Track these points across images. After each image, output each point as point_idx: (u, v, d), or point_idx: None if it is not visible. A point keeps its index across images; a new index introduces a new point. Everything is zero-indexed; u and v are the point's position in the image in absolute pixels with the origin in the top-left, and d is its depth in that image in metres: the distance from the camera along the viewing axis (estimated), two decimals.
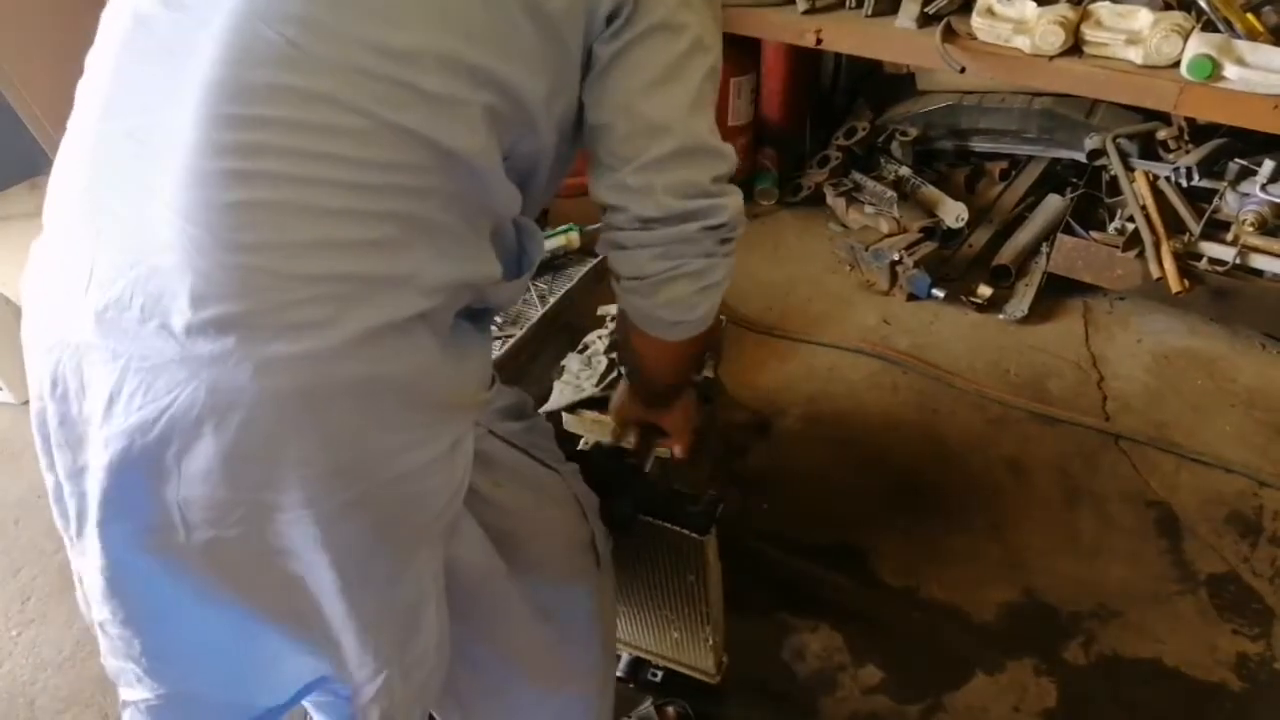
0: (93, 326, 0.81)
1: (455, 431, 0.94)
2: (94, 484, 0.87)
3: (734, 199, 0.98)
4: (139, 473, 0.85)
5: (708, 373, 1.59)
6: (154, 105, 0.82)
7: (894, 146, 3.02)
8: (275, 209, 0.80)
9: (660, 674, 1.73)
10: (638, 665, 1.73)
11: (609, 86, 0.93)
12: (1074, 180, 2.80)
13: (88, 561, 0.94)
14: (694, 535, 1.33)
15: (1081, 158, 2.66)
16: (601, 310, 1.65)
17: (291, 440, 0.82)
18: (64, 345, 0.85)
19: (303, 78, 0.80)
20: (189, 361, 0.79)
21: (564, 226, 2.00)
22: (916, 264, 2.73)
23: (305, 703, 1.49)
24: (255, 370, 0.79)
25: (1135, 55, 2.18)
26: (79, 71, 0.92)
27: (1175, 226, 2.41)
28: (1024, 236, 2.77)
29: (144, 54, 0.84)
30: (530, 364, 1.78)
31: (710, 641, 1.56)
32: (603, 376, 1.51)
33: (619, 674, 1.70)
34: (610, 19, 0.91)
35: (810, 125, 3.21)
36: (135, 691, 1.06)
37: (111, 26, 0.89)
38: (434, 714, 1.28)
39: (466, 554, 1.05)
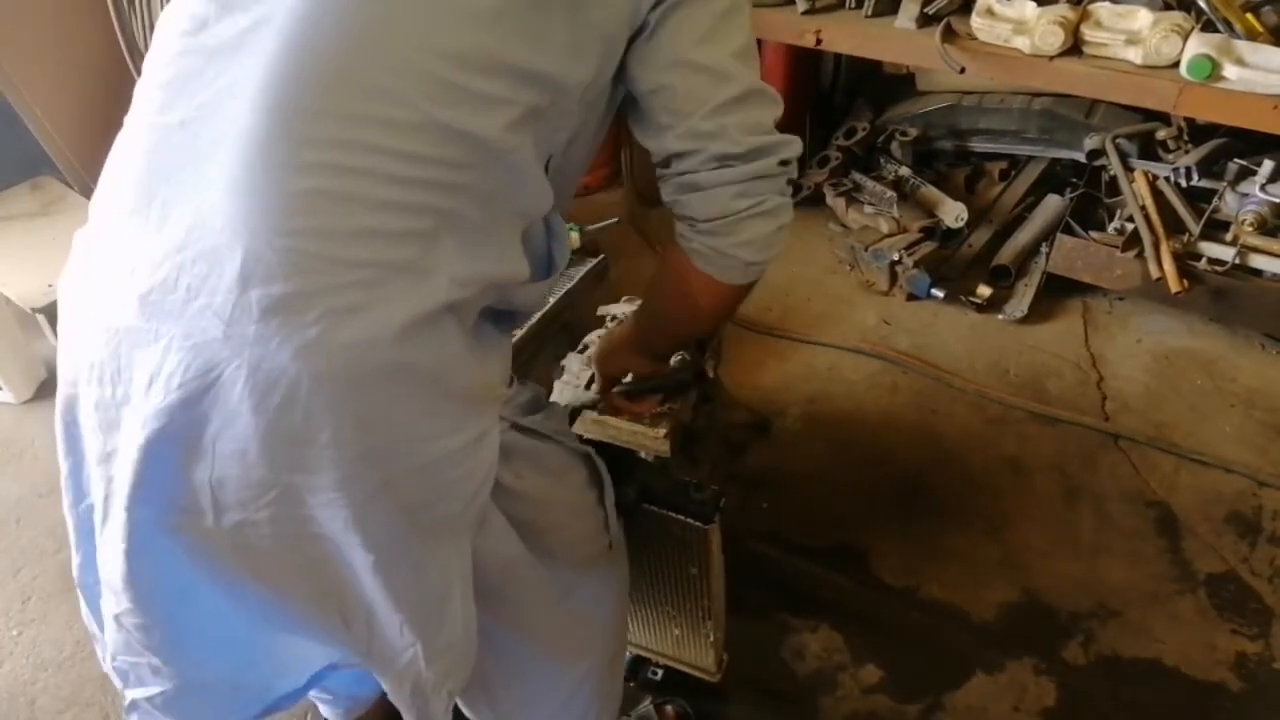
0: (136, 310, 0.84)
1: (481, 424, 0.97)
2: (124, 466, 0.89)
3: (796, 139, 1.03)
4: (173, 451, 0.87)
5: (708, 372, 1.59)
6: (211, 99, 0.86)
7: (894, 147, 3.02)
8: (327, 197, 0.83)
9: (660, 672, 1.73)
10: (638, 664, 1.74)
11: (658, 48, 0.97)
12: (1073, 180, 2.80)
13: (110, 548, 0.95)
14: (698, 524, 1.34)
15: (1081, 158, 2.66)
16: (601, 310, 1.65)
17: (327, 423, 0.85)
18: (105, 330, 0.87)
19: (362, 72, 0.84)
20: (232, 340, 0.81)
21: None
22: (916, 264, 2.73)
23: (312, 696, 1.51)
24: (296, 352, 0.81)
25: (1135, 55, 2.18)
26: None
27: (1175, 226, 2.41)
28: (1024, 237, 2.78)
29: (202, 51, 0.88)
30: (530, 364, 1.79)
31: (711, 638, 1.56)
32: None
33: None
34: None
35: (810, 125, 3.21)
36: (148, 687, 1.08)
37: (169, 27, 0.92)
38: (459, 701, 1.30)
39: (494, 545, 1.07)
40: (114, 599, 1.00)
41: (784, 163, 1.01)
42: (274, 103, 0.83)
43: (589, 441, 1.30)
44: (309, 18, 0.84)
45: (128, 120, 0.94)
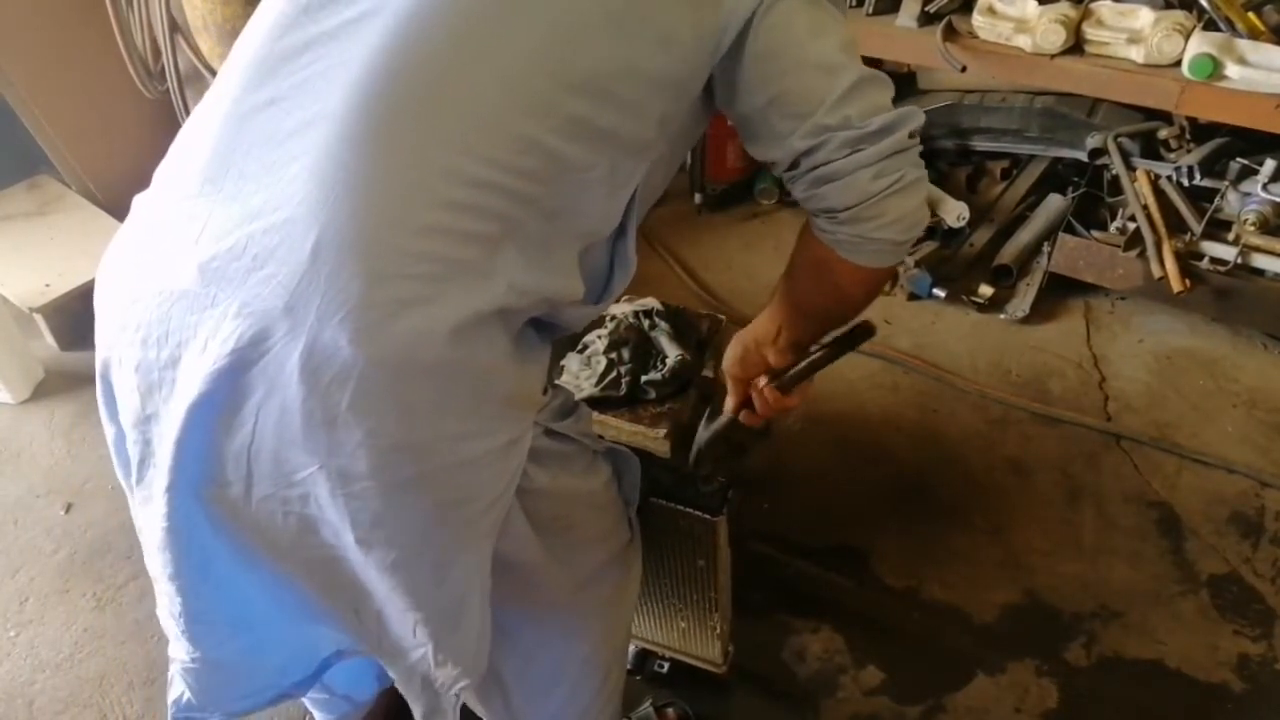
0: (195, 275, 0.85)
1: (514, 430, 0.98)
2: (168, 429, 0.90)
3: (918, 109, 1.00)
4: (215, 416, 0.87)
5: (707, 372, 1.59)
6: (305, 81, 0.87)
7: None
8: (408, 188, 0.84)
9: (667, 665, 1.74)
10: (644, 658, 1.74)
11: (770, 56, 0.96)
12: (1075, 180, 2.79)
13: (151, 510, 0.97)
14: (706, 516, 1.35)
15: (1083, 157, 2.66)
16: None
17: (372, 409, 0.85)
18: (156, 294, 0.88)
19: (462, 75, 0.86)
20: (294, 313, 0.82)
21: None
22: (917, 264, 2.72)
23: (304, 700, 1.50)
24: (355, 334, 0.82)
25: (1137, 54, 2.18)
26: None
27: (1177, 226, 2.40)
28: (1025, 236, 2.77)
29: (302, 35, 0.89)
30: None
31: (718, 630, 1.57)
32: (602, 376, 1.51)
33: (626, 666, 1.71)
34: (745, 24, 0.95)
35: None
36: (176, 649, 1.11)
37: (266, 10, 0.94)
38: (474, 699, 1.31)
39: (512, 546, 1.08)
40: (150, 560, 1.03)
41: (913, 134, 0.99)
42: (371, 91, 0.84)
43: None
44: (418, 17, 0.86)
45: (208, 96, 0.95)
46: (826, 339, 1.25)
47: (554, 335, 1.07)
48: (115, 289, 0.93)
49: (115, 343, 0.93)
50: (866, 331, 1.24)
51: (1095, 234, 2.56)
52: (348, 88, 0.85)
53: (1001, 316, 2.68)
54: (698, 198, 3.14)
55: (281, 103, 0.87)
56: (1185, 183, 2.37)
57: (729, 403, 1.34)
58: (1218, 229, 2.38)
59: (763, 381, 1.27)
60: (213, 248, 0.84)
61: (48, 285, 2.58)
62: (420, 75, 0.86)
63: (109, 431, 1.03)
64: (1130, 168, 2.47)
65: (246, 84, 0.90)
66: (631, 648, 1.72)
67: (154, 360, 0.89)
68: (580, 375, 1.54)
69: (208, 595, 1.03)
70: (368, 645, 1.07)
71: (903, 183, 0.97)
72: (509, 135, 0.87)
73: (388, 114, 0.84)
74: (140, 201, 0.95)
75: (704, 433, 1.40)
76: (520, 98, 0.87)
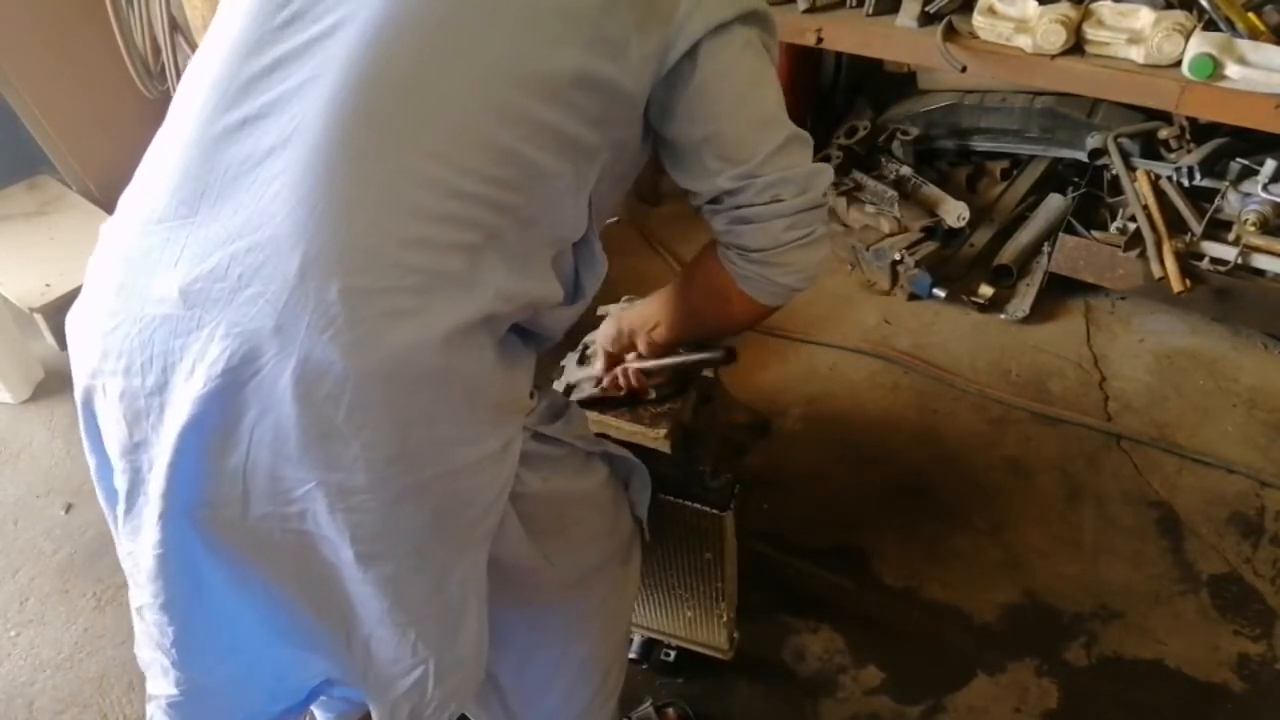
0: (176, 299, 0.84)
1: (506, 434, 0.99)
2: (161, 454, 0.89)
3: (829, 167, 1.08)
4: (208, 438, 0.87)
5: (708, 373, 1.59)
6: (279, 98, 0.87)
7: (895, 146, 3.01)
8: (393, 201, 0.85)
9: (673, 654, 1.75)
10: (650, 646, 1.76)
11: (710, 96, 1.00)
12: (1075, 180, 2.79)
13: (141, 539, 0.96)
14: (714, 511, 1.36)
15: (1083, 157, 2.66)
16: (601, 310, 1.64)
17: (367, 422, 0.86)
18: (138, 319, 0.87)
19: (438, 85, 0.87)
20: (284, 330, 0.82)
21: None
22: (918, 264, 2.72)
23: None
24: (346, 349, 0.82)
25: (1137, 54, 2.17)
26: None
27: (1177, 226, 2.40)
28: (1025, 236, 2.77)
29: (269, 52, 0.89)
30: None
31: (724, 618, 1.58)
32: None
33: (631, 655, 1.73)
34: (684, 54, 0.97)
35: (811, 124, 3.20)
36: (161, 685, 1.09)
37: (226, 27, 0.93)
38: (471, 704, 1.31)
39: (505, 552, 1.08)
40: (137, 591, 1.01)
41: (824, 194, 1.06)
42: (346, 106, 0.84)
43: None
44: (386, 29, 0.86)
45: (169, 120, 0.94)
46: (692, 348, 1.37)
47: (536, 342, 1.08)
48: (92, 317, 0.92)
49: (98, 371, 0.91)
50: (729, 358, 1.35)
51: (1095, 234, 2.56)
52: (323, 103, 0.84)
53: (1001, 316, 2.68)
54: None
55: (256, 121, 0.87)
56: (1185, 183, 2.37)
57: (598, 366, 1.44)
58: (1218, 229, 2.38)
59: (631, 361, 1.37)
60: (194, 270, 0.84)
61: (48, 285, 2.58)
62: (394, 87, 0.86)
63: (91, 461, 1.01)
64: (1130, 168, 2.47)
65: (216, 105, 0.89)
66: (638, 637, 1.74)
67: (139, 388, 0.89)
68: (577, 375, 1.54)
69: (199, 622, 1.02)
70: (354, 677, 1.06)
71: (812, 237, 1.07)
72: (485, 145, 0.88)
73: (365, 128, 0.85)
74: (108, 229, 0.94)
75: (574, 372, 1.48)
76: (493, 107, 0.88)
